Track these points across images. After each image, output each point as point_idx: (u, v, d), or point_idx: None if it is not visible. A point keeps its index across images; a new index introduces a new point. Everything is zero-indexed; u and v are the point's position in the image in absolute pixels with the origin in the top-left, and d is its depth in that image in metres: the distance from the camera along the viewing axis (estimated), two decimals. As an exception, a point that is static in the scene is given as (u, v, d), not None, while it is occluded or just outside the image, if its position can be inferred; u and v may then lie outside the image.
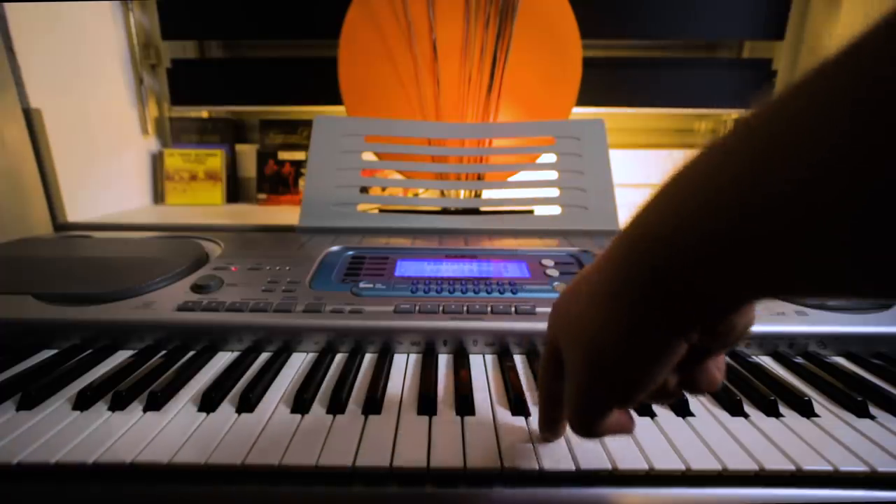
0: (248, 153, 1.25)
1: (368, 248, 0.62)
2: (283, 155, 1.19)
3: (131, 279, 0.50)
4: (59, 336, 0.46)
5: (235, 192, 1.25)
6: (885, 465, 0.30)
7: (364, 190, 0.82)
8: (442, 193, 0.84)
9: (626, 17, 1.12)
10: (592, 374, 0.24)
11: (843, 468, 0.30)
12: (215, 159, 1.19)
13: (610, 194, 0.73)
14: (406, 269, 0.55)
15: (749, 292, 0.19)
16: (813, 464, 0.30)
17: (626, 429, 0.28)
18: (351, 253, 0.60)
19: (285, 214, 0.99)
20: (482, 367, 0.43)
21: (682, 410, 0.36)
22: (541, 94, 0.90)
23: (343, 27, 0.89)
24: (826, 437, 0.33)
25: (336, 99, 0.90)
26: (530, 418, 0.35)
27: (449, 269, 0.56)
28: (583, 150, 0.75)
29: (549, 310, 0.46)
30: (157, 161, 1.20)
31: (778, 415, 0.36)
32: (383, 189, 0.99)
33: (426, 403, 0.36)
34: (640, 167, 1.19)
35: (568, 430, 0.32)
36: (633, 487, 0.30)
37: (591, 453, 0.31)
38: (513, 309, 0.47)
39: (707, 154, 0.19)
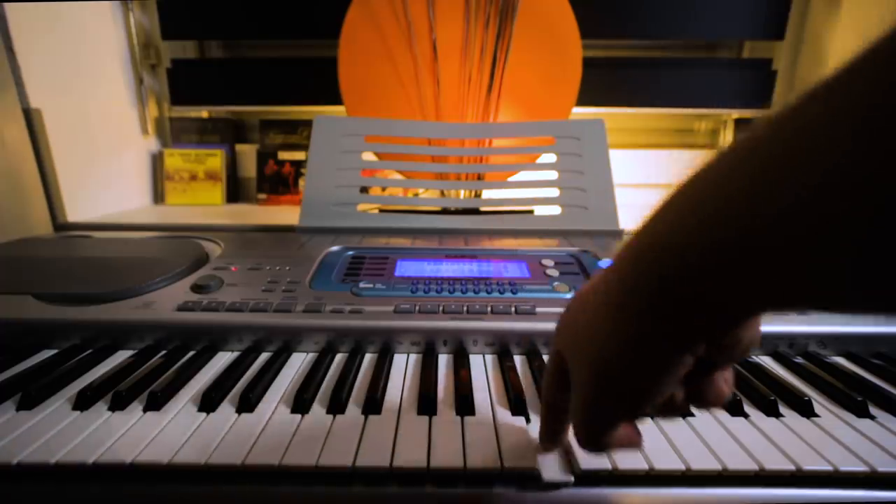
0: (248, 153, 1.25)
1: (368, 248, 0.62)
2: (283, 155, 1.19)
3: (131, 279, 0.50)
4: (59, 336, 0.46)
5: (235, 192, 1.25)
6: (885, 465, 0.30)
7: (364, 190, 0.82)
8: (442, 193, 0.84)
9: (626, 17, 1.12)
10: (599, 385, 0.24)
11: (843, 468, 0.30)
12: (215, 159, 1.19)
13: (610, 194, 0.73)
14: (406, 269, 0.55)
15: (756, 304, 0.19)
16: (813, 464, 0.30)
17: (634, 443, 0.28)
18: (351, 253, 0.60)
19: (285, 214, 0.99)
20: (482, 367, 0.43)
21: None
22: (541, 94, 0.90)
23: (343, 27, 0.89)
24: (826, 437, 0.33)
25: (336, 99, 0.90)
26: (530, 418, 0.35)
27: (449, 269, 0.56)
28: (583, 150, 0.75)
29: (549, 310, 0.46)
30: (157, 161, 1.20)
31: (778, 415, 0.36)
32: (383, 189, 0.99)
33: (426, 403, 0.36)
34: (640, 167, 1.19)
35: (570, 436, 0.32)
36: (633, 487, 0.30)
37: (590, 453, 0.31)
38: (513, 309, 0.47)
39: (716, 163, 0.18)
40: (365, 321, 0.45)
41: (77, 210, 0.90)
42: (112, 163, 1.05)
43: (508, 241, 0.67)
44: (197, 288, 0.49)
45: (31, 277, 0.52)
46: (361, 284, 0.51)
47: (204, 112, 1.28)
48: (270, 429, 0.33)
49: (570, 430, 0.29)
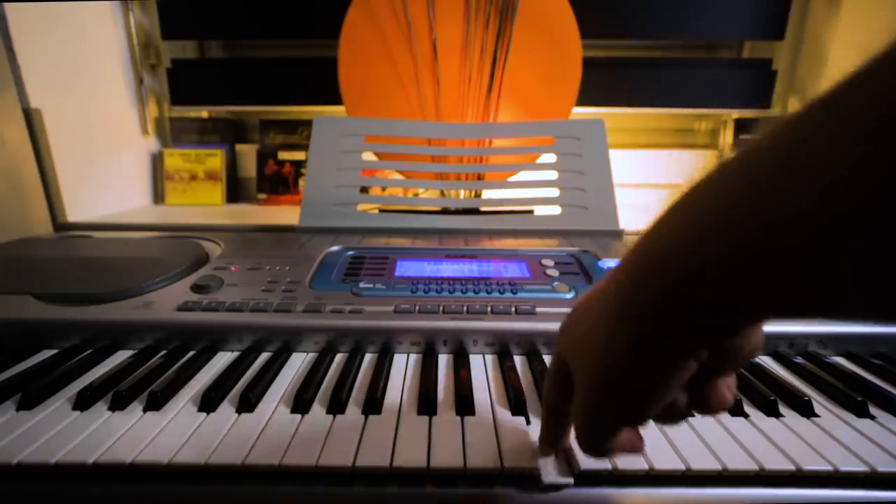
0: (248, 153, 1.25)
1: (368, 248, 0.62)
2: (283, 155, 1.19)
3: (131, 279, 0.50)
4: (59, 336, 0.46)
5: (235, 192, 1.25)
6: (885, 465, 0.30)
7: (364, 190, 0.82)
8: (442, 193, 0.84)
9: (626, 17, 1.12)
10: (602, 391, 0.24)
11: (843, 468, 0.30)
12: (215, 159, 1.19)
13: (610, 194, 0.73)
14: (406, 269, 0.55)
15: (758, 312, 0.19)
16: (813, 464, 0.30)
17: (636, 448, 0.28)
18: (351, 253, 0.60)
19: (285, 214, 0.99)
20: (482, 367, 0.43)
21: (682, 410, 0.36)
22: (541, 94, 0.90)
23: (343, 27, 0.89)
24: (826, 437, 0.33)
25: (336, 99, 0.90)
26: (530, 418, 0.35)
27: (449, 269, 0.56)
28: (583, 150, 0.75)
29: (549, 310, 0.46)
30: (157, 161, 1.20)
31: (778, 415, 0.36)
32: (383, 189, 0.99)
33: (426, 403, 0.36)
34: (640, 167, 1.19)
35: (571, 439, 0.32)
36: (633, 487, 0.30)
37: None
38: (513, 309, 0.47)
39: (718, 173, 0.19)
40: (365, 321, 0.45)
41: (77, 210, 0.90)
42: (112, 163, 1.05)
43: (508, 241, 0.67)
44: (197, 288, 0.49)
45: (31, 277, 0.52)
46: (361, 284, 0.51)
47: (204, 112, 1.28)
48: (270, 429, 0.33)
49: (571, 432, 0.29)
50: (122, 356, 0.44)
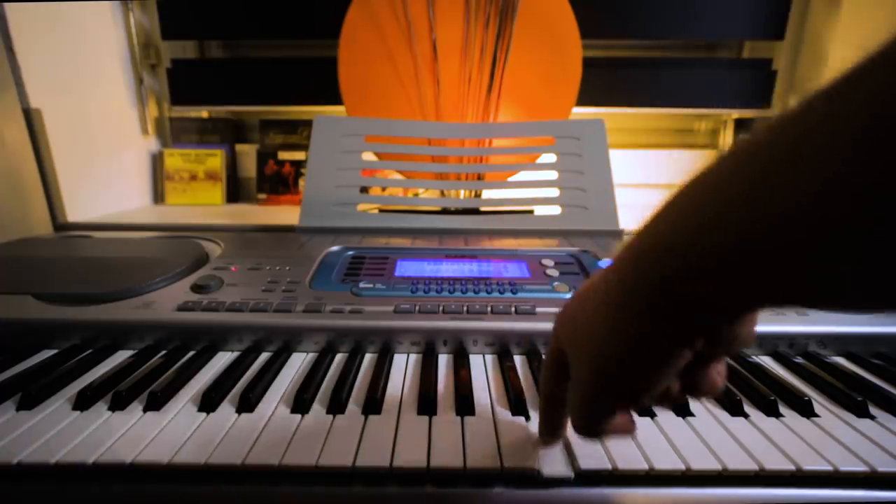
0: (248, 153, 1.25)
1: (368, 248, 0.62)
2: (283, 155, 1.19)
3: (131, 279, 0.50)
4: (59, 336, 0.46)
5: (235, 192, 1.25)
6: (885, 465, 0.30)
7: (364, 190, 0.82)
8: (442, 193, 0.84)
9: (626, 17, 1.12)
10: (598, 380, 0.24)
11: (843, 468, 0.30)
12: (215, 159, 1.19)
13: (610, 194, 0.73)
14: (406, 269, 0.55)
15: (756, 303, 0.20)
16: (813, 464, 0.30)
17: (628, 430, 0.29)
18: (351, 253, 0.60)
19: (285, 214, 0.99)
20: (482, 367, 0.43)
21: (682, 410, 0.36)
22: (541, 94, 0.90)
23: (343, 27, 0.89)
24: (826, 437, 0.33)
25: (336, 99, 0.90)
26: (530, 418, 0.35)
27: (449, 269, 0.56)
28: (583, 150, 0.75)
29: (549, 310, 0.46)
30: (157, 161, 1.20)
31: (778, 415, 0.36)
32: (383, 189, 0.99)
33: (426, 403, 0.36)
34: (640, 167, 1.19)
35: (568, 430, 0.32)
36: (633, 487, 0.30)
37: (590, 453, 0.31)
38: (513, 309, 0.47)
39: (718, 166, 0.19)
40: (365, 321, 0.45)
41: (77, 210, 0.90)
42: (112, 163, 1.05)
43: (508, 241, 0.67)
44: (197, 288, 0.49)
45: (31, 277, 0.52)
46: (361, 284, 0.51)
47: (204, 112, 1.28)
48: (270, 429, 0.33)
49: (569, 424, 0.30)
50: (122, 356, 0.44)
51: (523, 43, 0.87)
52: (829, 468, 0.30)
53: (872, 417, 0.35)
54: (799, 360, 0.45)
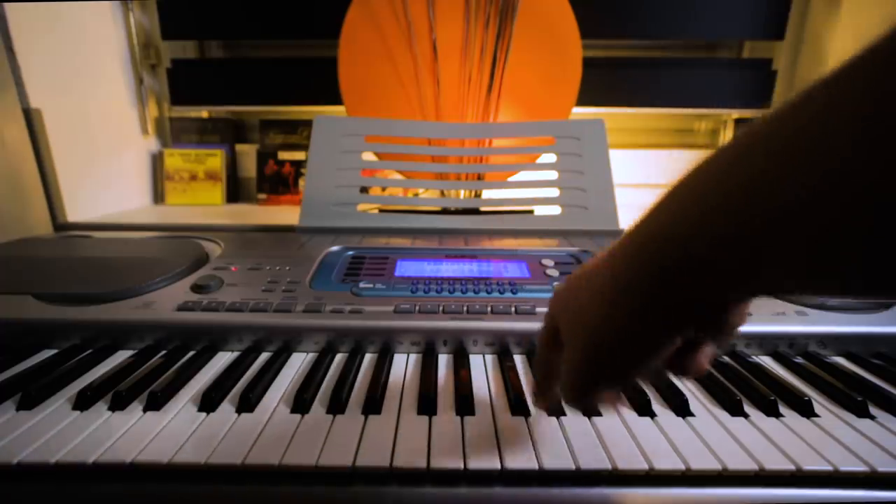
0: (248, 153, 1.25)
1: (368, 248, 0.62)
2: (283, 155, 1.19)
3: (131, 279, 0.50)
4: (59, 336, 0.46)
5: (235, 192, 1.25)
6: (885, 465, 0.30)
7: (364, 190, 0.82)
8: (442, 193, 0.84)
9: (626, 17, 1.12)
10: (591, 362, 0.25)
11: (843, 468, 0.30)
12: (215, 159, 1.19)
13: (610, 194, 0.73)
14: (406, 269, 0.55)
15: (756, 292, 0.20)
16: (813, 464, 0.30)
17: (614, 404, 0.31)
18: (351, 253, 0.60)
19: (285, 214, 0.99)
20: (482, 367, 0.43)
21: (682, 410, 0.36)
22: (541, 94, 0.90)
23: (343, 27, 0.89)
24: (826, 437, 0.33)
25: (336, 99, 0.90)
26: (530, 418, 0.35)
27: (449, 269, 0.56)
28: (583, 150, 0.75)
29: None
30: (157, 161, 1.20)
31: (778, 415, 0.36)
32: (383, 189, 0.99)
33: (426, 403, 0.36)
34: (640, 167, 1.19)
35: (566, 428, 0.33)
36: (633, 487, 0.30)
37: (590, 453, 0.31)
38: (513, 309, 0.47)
39: (717, 158, 0.19)
40: (365, 321, 0.45)
41: (77, 210, 0.90)
42: (112, 163, 1.05)
43: (508, 241, 0.67)
44: (197, 288, 0.49)
45: (31, 277, 0.52)
46: (361, 284, 0.51)
47: (204, 112, 1.28)
48: (270, 429, 0.33)
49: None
50: (122, 356, 0.44)
51: (523, 43, 0.87)
52: (829, 468, 0.30)
53: (872, 417, 0.35)
54: (799, 360, 0.45)
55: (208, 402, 0.36)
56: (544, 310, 0.46)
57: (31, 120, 0.80)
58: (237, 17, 1.15)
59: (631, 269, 0.22)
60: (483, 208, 0.79)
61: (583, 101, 0.93)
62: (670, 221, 0.20)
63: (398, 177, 0.92)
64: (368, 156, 0.78)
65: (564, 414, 0.35)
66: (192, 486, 0.30)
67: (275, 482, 0.30)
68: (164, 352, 0.45)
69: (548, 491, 0.29)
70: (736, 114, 1.20)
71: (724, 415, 0.35)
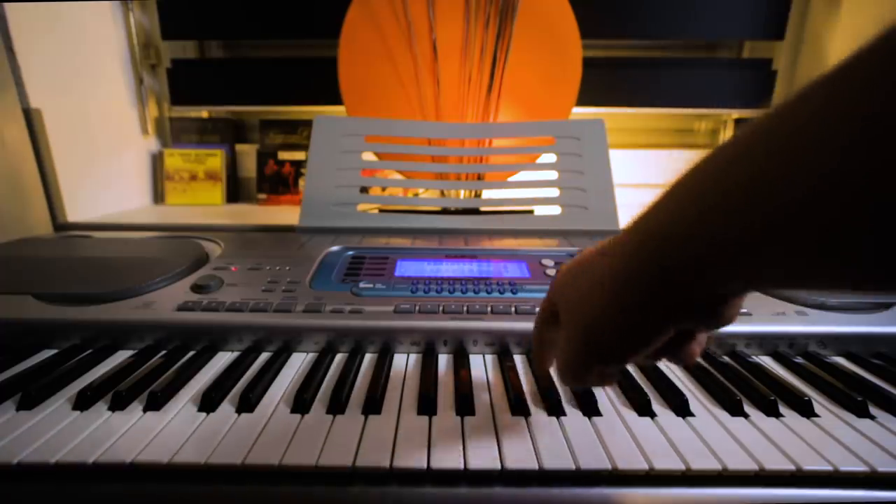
0: (248, 153, 1.25)
1: (368, 248, 0.62)
2: (283, 155, 1.19)
3: (131, 279, 0.50)
4: (59, 336, 0.46)
5: (235, 192, 1.25)
6: (885, 465, 0.30)
7: (364, 190, 0.82)
8: (442, 193, 0.84)
9: (626, 17, 1.12)
10: (587, 348, 0.26)
11: (843, 468, 0.30)
12: (215, 159, 1.19)
13: (610, 194, 0.73)
14: (406, 269, 0.55)
15: (755, 288, 0.21)
16: (813, 464, 0.30)
17: (608, 383, 0.32)
18: (351, 253, 0.60)
19: (285, 214, 0.99)
20: (482, 367, 0.43)
21: (682, 410, 0.36)
22: (541, 94, 0.90)
23: (343, 27, 0.89)
24: (826, 437, 0.33)
25: (336, 99, 0.90)
26: (530, 418, 0.35)
27: (449, 269, 0.56)
28: (583, 150, 0.75)
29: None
30: (157, 161, 1.20)
31: (778, 415, 0.36)
32: (383, 189, 0.99)
33: (426, 403, 0.36)
34: (640, 167, 1.19)
35: (566, 428, 0.33)
36: (633, 487, 0.30)
37: (590, 453, 0.31)
38: (513, 309, 0.47)
39: (715, 157, 0.19)
40: (365, 321, 0.45)
41: (77, 210, 0.90)
42: (112, 163, 1.05)
43: (508, 241, 0.67)
44: (197, 288, 0.49)
45: (31, 277, 0.52)
46: (361, 284, 0.51)
47: (204, 112, 1.28)
48: (270, 429, 0.33)
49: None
50: (122, 356, 0.44)
51: (523, 43, 0.87)
52: (829, 468, 0.30)
53: (872, 417, 0.35)
54: (799, 360, 0.45)
55: (208, 402, 0.36)
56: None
57: (31, 120, 0.80)
58: (237, 17, 1.15)
59: (630, 266, 0.22)
60: (483, 208, 0.79)
61: (583, 101, 0.93)
62: (669, 220, 0.20)
63: (398, 177, 0.92)
64: (368, 156, 0.78)
65: (564, 414, 0.35)
66: (192, 486, 0.30)
67: (275, 482, 0.30)
68: (164, 352, 0.45)
69: (548, 491, 0.29)
70: (736, 114, 1.20)
71: (724, 415, 0.35)
